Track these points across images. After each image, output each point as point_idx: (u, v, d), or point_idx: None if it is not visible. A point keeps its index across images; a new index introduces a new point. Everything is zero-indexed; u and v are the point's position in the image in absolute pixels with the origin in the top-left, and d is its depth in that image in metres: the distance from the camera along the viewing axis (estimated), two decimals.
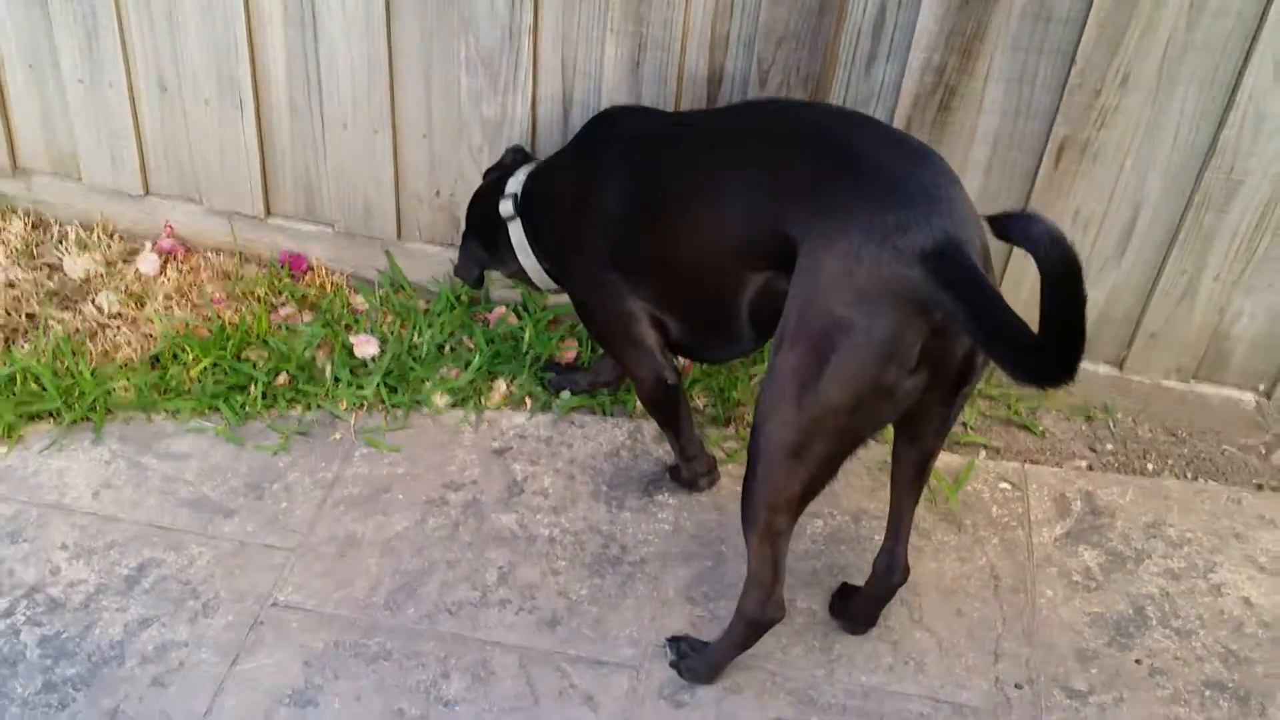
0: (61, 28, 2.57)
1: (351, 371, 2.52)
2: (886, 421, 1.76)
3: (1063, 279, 1.43)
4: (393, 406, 2.47)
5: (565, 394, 2.50)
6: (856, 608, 2.09)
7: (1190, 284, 2.40)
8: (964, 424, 2.50)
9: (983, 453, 2.46)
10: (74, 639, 2.02)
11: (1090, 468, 2.44)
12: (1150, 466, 2.46)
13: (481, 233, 2.34)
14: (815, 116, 1.95)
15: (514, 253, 2.27)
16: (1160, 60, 2.19)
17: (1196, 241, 2.35)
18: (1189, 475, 2.44)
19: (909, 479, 1.96)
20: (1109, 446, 2.49)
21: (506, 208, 2.25)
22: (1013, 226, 1.51)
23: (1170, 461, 2.47)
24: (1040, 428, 2.51)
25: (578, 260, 2.14)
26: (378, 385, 2.48)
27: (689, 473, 2.30)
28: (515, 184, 2.27)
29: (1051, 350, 1.47)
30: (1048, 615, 2.13)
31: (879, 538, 2.24)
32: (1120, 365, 2.53)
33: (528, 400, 2.51)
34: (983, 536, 2.27)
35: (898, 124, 2.35)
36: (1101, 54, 2.20)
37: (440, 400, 2.49)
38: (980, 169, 2.39)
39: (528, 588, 2.14)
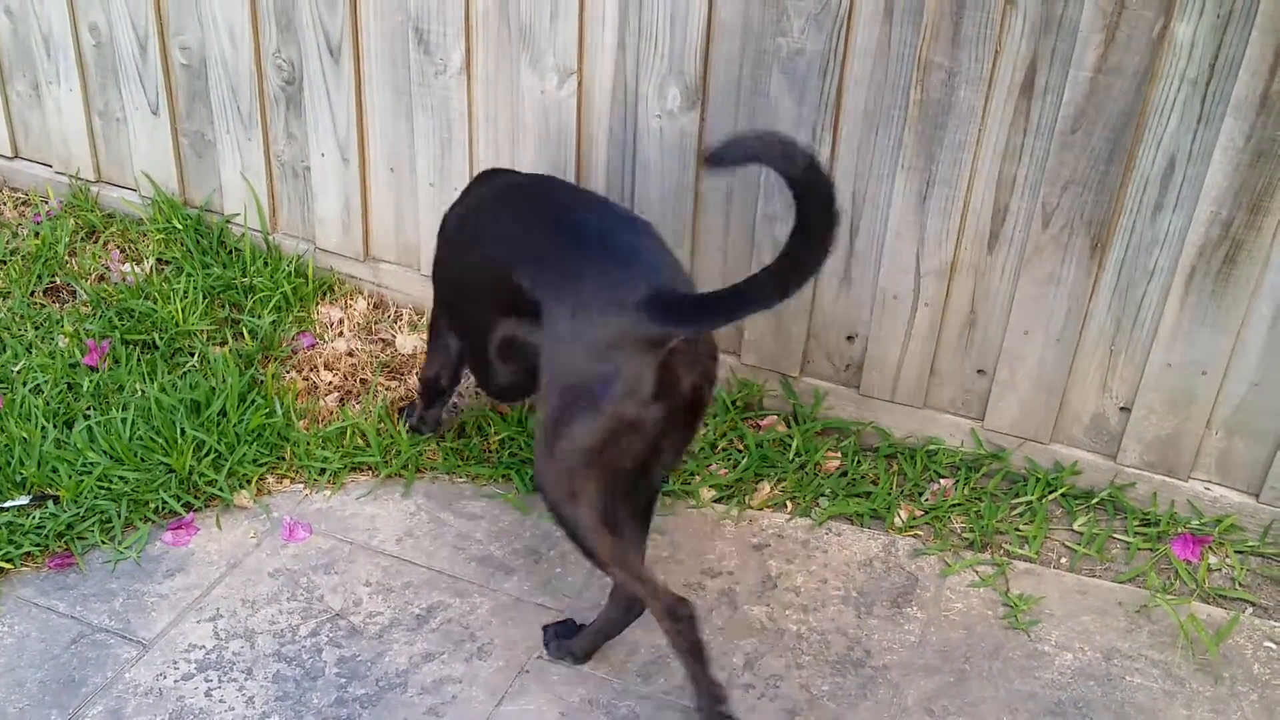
0: (421, 138, 2.98)
1: None
2: (642, 451, 2.00)
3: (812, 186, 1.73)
4: (663, 494, 2.67)
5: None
6: (579, 642, 2.26)
7: None
8: (1232, 579, 2.45)
9: (1249, 609, 2.39)
10: (366, 663, 2.28)
11: None
12: None
13: None
14: (569, 198, 2.42)
15: None
16: None
17: None
18: None
19: (641, 511, 2.15)
20: None
21: None
22: (741, 147, 1.84)
23: None
24: None
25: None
26: None
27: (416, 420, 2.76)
28: None
29: (798, 252, 1.78)
30: None
31: (1130, 678, 2.23)
32: None
33: (789, 503, 2.65)
34: (1240, 691, 2.21)
35: (1181, 274, 2.40)
36: None
37: (707, 494, 2.66)
38: (1265, 324, 2.38)
39: (772, 677, 2.25)
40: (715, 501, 2.66)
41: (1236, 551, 2.50)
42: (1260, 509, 2.52)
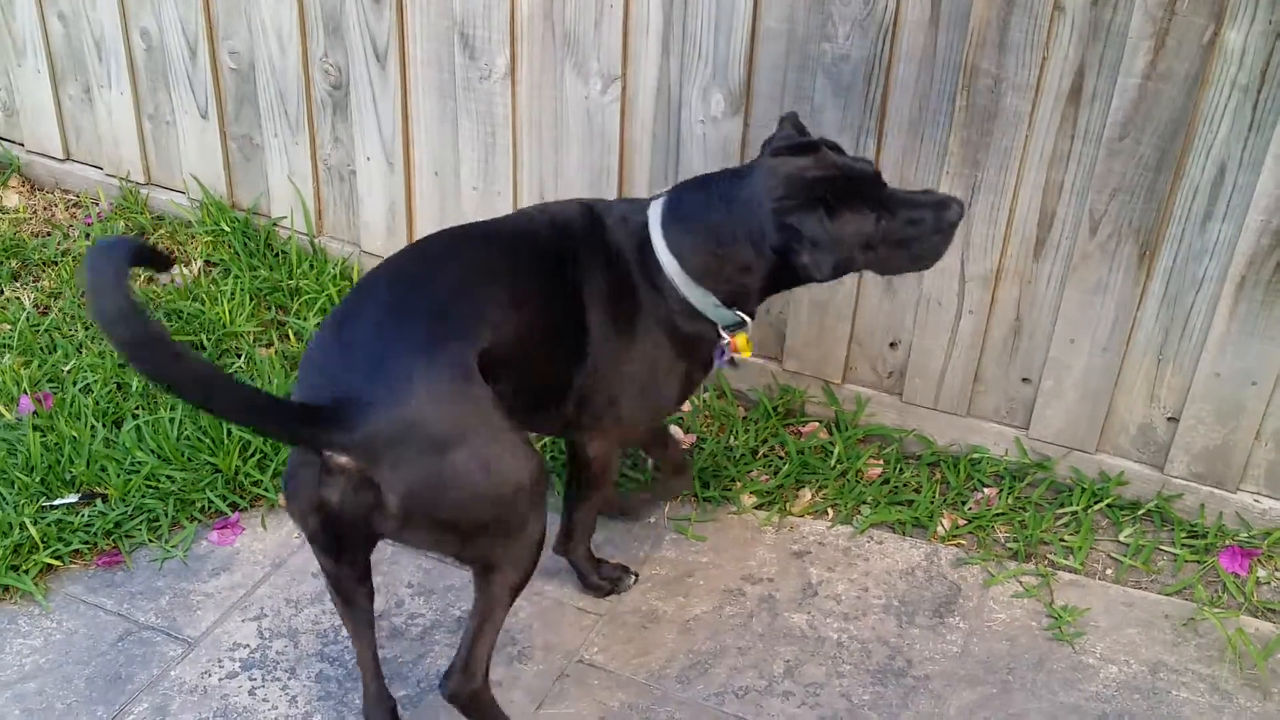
0: (466, 142, 3.00)
1: None
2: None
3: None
4: (704, 500, 2.66)
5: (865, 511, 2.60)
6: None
7: None
8: None
9: None
10: (408, 664, 2.29)
11: None
12: None
13: None
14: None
15: None
16: None
17: None
18: None
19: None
20: None
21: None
22: None
23: None
24: None
25: None
26: (693, 479, 2.69)
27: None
28: None
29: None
30: None
31: (1176, 692, 2.21)
32: None
33: (830, 511, 2.64)
34: None
35: (1231, 283, 2.37)
36: None
37: (748, 500, 2.66)
38: None
39: (812, 685, 2.24)
40: (756, 508, 2.66)
41: None
42: None
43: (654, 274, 2.11)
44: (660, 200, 2.15)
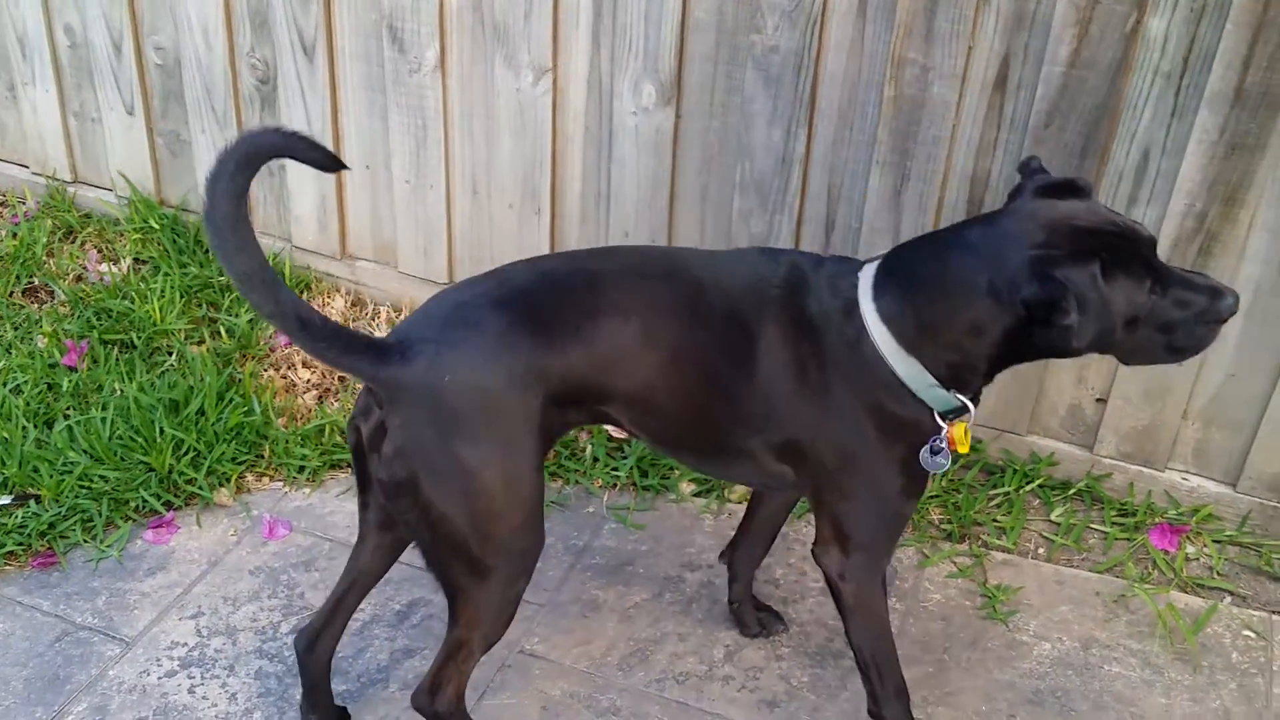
0: (397, 136, 2.98)
1: (609, 454, 2.75)
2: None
3: None
4: (643, 489, 2.68)
5: None
6: None
7: None
8: (1210, 568, 2.47)
9: (1228, 598, 2.42)
10: (348, 659, 2.27)
11: None
12: None
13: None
14: None
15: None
16: None
17: None
18: None
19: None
20: None
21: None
22: None
23: None
24: None
25: None
26: (631, 468, 2.69)
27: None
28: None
29: None
30: None
31: (1108, 667, 2.26)
32: None
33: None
34: (1219, 680, 2.24)
35: None
36: None
37: (686, 488, 2.67)
38: (1240, 315, 2.37)
39: (752, 669, 2.26)
40: (695, 495, 2.67)
41: (1214, 541, 2.53)
42: (1238, 498, 2.54)
43: (860, 343, 1.80)
44: (877, 261, 1.86)
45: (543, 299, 1.84)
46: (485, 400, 1.76)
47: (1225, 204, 2.32)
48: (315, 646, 2.07)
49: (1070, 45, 2.31)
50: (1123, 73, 2.30)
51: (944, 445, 1.82)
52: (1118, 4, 2.25)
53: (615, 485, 2.69)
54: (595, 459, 2.73)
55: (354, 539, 2.50)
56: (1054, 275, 1.64)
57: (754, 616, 2.33)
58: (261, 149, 1.72)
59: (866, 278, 1.83)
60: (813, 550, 1.96)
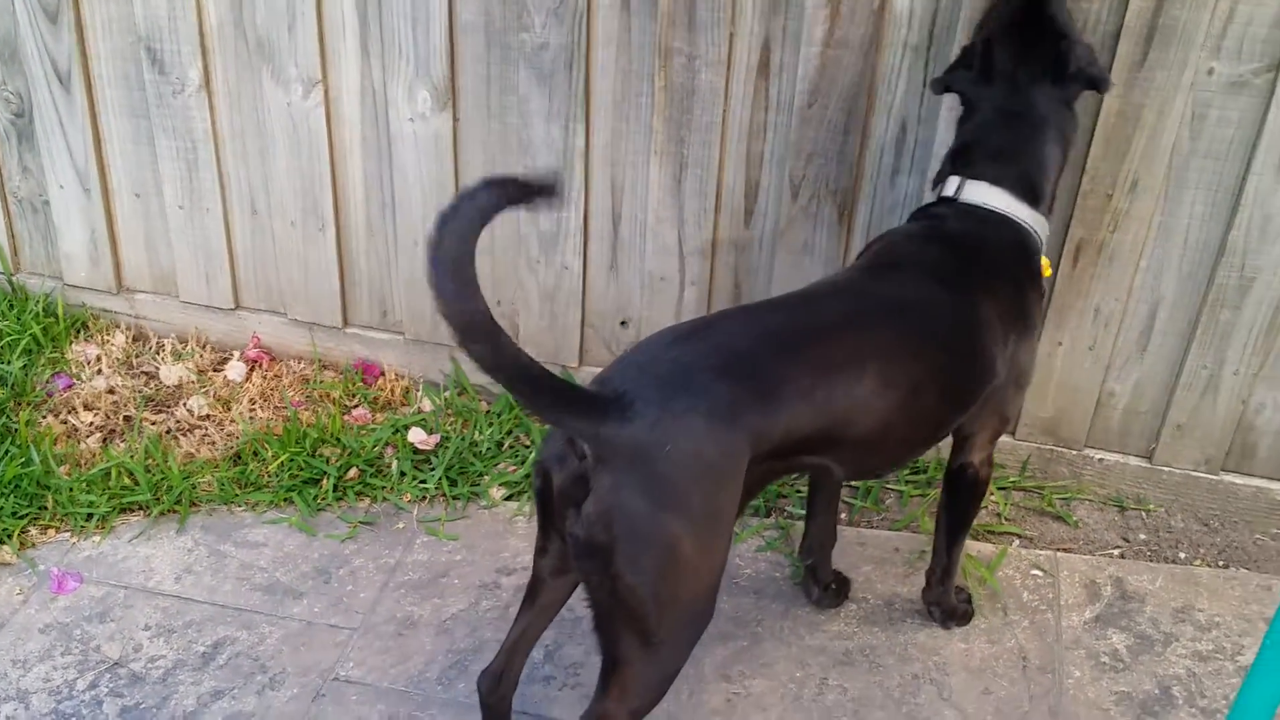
0: (166, 160, 2.87)
1: (416, 466, 2.71)
2: None
3: None
4: (453, 498, 2.65)
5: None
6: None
7: (1212, 378, 2.49)
8: (998, 514, 2.60)
9: (1016, 541, 2.54)
10: (151, 710, 2.18)
11: (1122, 556, 2.51)
12: (1182, 555, 2.51)
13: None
14: None
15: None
16: (1167, 167, 2.34)
17: (1214, 337, 2.45)
18: (1220, 564, 2.49)
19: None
20: (1141, 536, 2.56)
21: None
22: None
23: (1202, 550, 2.52)
24: (1074, 518, 2.59)
25: None
26: (439, 479, 2.66)
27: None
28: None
29: None
30: (1075, 695, 2.19)
31: (912, 620, 2.34)
32: (1150, 457, 2.61)
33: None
34: (1013, 620, 2.35)
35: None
36: (1110, 162, 2.35)
37: (497, 493, 2.66)
38: None
39: (572, 665, 2.26)
40: (506, 499, 2.66)
41: (999, 488, 2.65)
42: (1017, 445, 2.68)
43: (1003, 228, 2.05)
44: (953, 179, 2.09)
45: (768, 364, 1.75)
46: (703, 475, 1.67)
47: None
48: (498, 689, 2.01)
49: (824, 25, 2.38)
50: (876, 49, 2.39)
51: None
52: None
53: (425, 498, 2.66)
54: (402, 473, 2.69)
55: (151, 584, 2.44)
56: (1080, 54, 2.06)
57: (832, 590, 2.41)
58: (486, 212, 1.59)
59: (960, 185, 2.07)
60: (965, 458, 2.14)
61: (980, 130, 2.11)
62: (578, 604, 2.36)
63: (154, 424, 2.81)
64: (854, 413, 1.82)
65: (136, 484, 2.64)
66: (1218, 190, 2.34)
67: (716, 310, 2.37)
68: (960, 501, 2.21)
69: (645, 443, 1.63)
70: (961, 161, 2.10)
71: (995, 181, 2.05)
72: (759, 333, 1.81)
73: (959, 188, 2.08)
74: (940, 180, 2.13)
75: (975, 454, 2.14)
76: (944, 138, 2.41)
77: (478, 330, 1.56)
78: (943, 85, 2.17)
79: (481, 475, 2.69)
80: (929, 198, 2.18)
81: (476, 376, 2.91)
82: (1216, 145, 2.30)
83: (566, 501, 1.70)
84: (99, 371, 2.95)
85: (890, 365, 1.85)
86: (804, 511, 2.59)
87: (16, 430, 2.69)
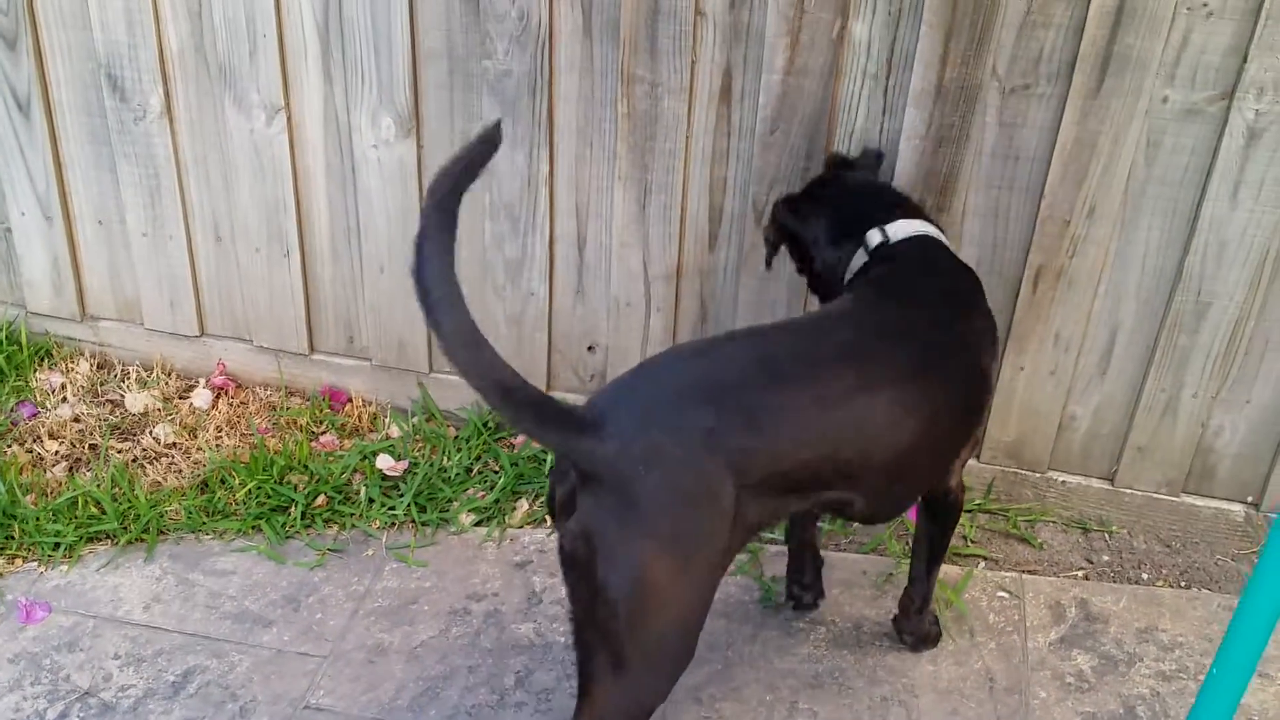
0: (128, 187, 2.85)
1: (384, 493, 2.71)
2: None
3: None
4: (422, 525, 2.65)
5: None
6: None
7: (1171, 401, 2.53)
8: (964, 537, 2.62)
9: (981, 563, 2.57)
10: None
11: (1086, 577, 2.55)
12: (1145, 576, 2.55)
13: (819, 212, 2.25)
14: None
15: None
16: (1123, 194, 2.37)
17: (1173, 361, 2.49)
18: (1182, 584, 2.53)
19: None
20: (1105, 557, 2.60)
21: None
22: None
23: (1164, 571, 2.56)
24: (1038, 540, 2.63)
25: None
26: (408, 505, 2.66)
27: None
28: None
29: None
30: (1041, 715, 2.22)
31: (880, 642, 2.37)
32: (1112, 479, 2.64)
33: (549, 518, 2.67)
34: (979, 641, 2.38)
35: None
36: (1068, 188, 2.39)
37: (466, 519, 2.66)
38: None
39: (544, 691, 2.27)
40: (475, 525, 2.66)
41: (965, 511, 2.67)
42: (982, 468, 2.71)
43: (950, 251, 2.15)
44: (874, 230, 2.12)
45: (761, 390, 1.74)
46: (679, 500, 1.68)
47: (940, 194, 2.46)
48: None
49: (785, 54, 2.41)
50: (835, 77, 2.42)
51: None
52: (823, 11, 2.36)
53: (394, 524, 2.66)
54: (371, 500, 2.69)
55: (120, 613, 2.43)
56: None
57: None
58: (459, 187, 1.59)
59: (883, 230, 2.11)
60: (936, 489, 2.12)
61: (851, 201, 2.23)
62: (549, 631, 2.39)
63: (120, 452, 2.80)
64: (870, 443, 1.82)
65: (103, 513, 2.62)
66: (1173, 216, 2.38)
67: (723, 331, 2.32)
68: (941, 526, 2.22)
69: (620, 465, 1.64)
70: (857, 227, 2.14)
71: (907, 216, 2.14)
72: (759, 357, 1.81)
73: (884, 232, 2.11)
74: (847, 258, 2.14)
75: (953, 478, 2.13)
76: (904, 165, 2.44)
77: (464, 340, 1.57)
78: (785, 234, 2.30)
79: (450, 501, 2.69)
80: (856, 264, 2.14)
81: (445, 402, 2.92)
82: (1172, 172, 2.34)
83: (565, 514, 1.73)
84: (64, 400, 2.93)
85: (904, 391, 1.85)
86: (771, 534, 2.61)
87: None
